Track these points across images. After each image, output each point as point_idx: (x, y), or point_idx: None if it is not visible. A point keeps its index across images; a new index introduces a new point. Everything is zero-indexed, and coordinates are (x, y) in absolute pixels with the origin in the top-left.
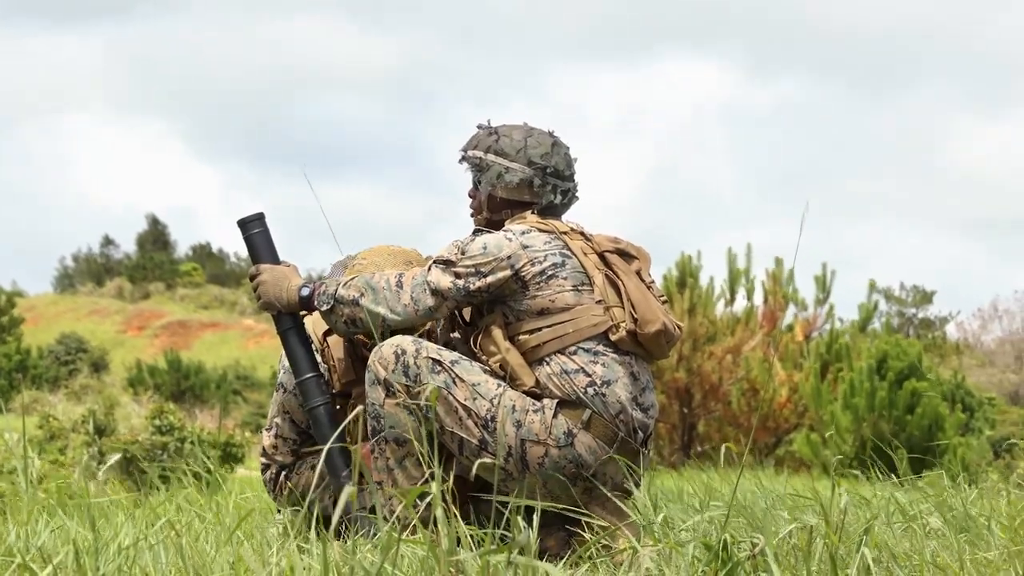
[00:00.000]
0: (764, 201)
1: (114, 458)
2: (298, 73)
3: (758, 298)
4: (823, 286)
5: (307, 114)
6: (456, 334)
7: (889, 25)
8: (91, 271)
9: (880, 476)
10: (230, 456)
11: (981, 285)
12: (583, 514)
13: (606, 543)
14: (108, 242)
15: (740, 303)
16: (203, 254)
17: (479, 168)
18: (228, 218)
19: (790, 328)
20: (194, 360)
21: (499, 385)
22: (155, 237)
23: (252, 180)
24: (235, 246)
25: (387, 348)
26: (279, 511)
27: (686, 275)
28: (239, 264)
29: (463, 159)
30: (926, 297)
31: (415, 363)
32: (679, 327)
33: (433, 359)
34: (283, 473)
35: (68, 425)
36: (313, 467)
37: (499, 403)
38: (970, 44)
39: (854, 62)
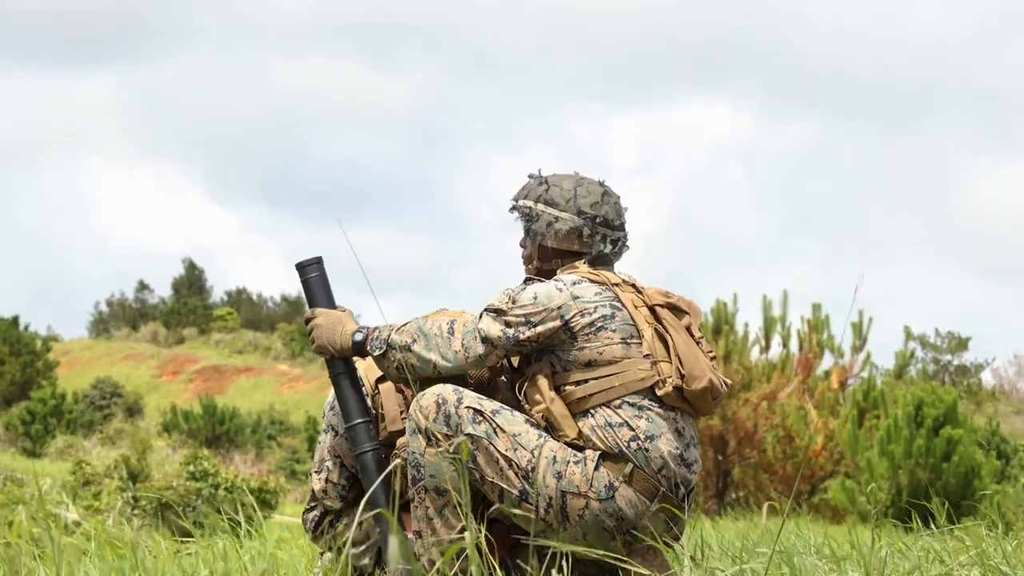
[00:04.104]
0: (782, 243)
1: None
2: (309, 113)
3: (793, 345)
4: (859, 333)
5: (319, 154)
6: (503, 378)
7: (905, 66)
8: (126, 316)
9: (919, 525)
10: (265, 503)
11: (1009, 330)
12: (623, 563)
13: None
14: (143, 287)
15: (775, 350)
16: (238, 299)
17: (529, 218)
18: (248, 260)
19: (826, 375)
20: (228, 405)
21: (540, 436)
22: (191, 282)
23: (268, 222)
24: (260, 287)
25: (428, 397)
26: (321, 555)
27: (721, 322)
28: (274, 309)
29: (513, 208)
30: (961, 344)
31: (456, 412)
32: (726, 384)
33: (474, 409)
34: (327, 518)
35: (102, 470)
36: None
37: (540, 454)
38: (982, 84)
39: (870, 103)
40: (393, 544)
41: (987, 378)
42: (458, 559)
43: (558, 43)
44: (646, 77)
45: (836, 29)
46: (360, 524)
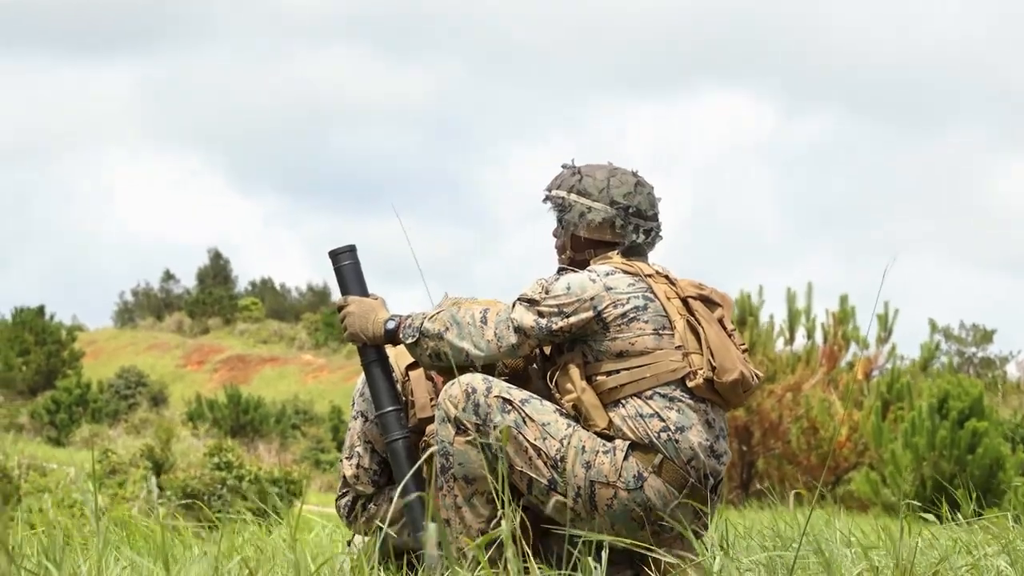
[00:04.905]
0: (802, 237)
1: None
2: (329, 105)
3: (818, 336)
4: (885, 325)
5: (338, 145)
6: (534, 366)
7: (927, 61)
8: (151, 306)
9: (947, 516)
10: (289, 492)
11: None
12: (651, 551)
13: None
14: (168, 277)
15: (799, 341)
16: (263, 289)
17: (562, 208)
18: (268, 250)
19: (851, 366)
20: (253, 395)
21: (569, 425)
22: (216, 272)
23: (288, 212)
24: (283, 277)
25: (457, 386)
26: (349, 543)
27: (746, 313)
28: (299, 299)
29: (547, 199)
30: (986, 336)
31: (485, 402)
32: (757, 376)
33: (503, 398)
34: (360, 502)
35: (127, 459)
36: (391, 500)
37: (569, 443)
38: (1007, 79)
39: (892, 98)
40: (429, 530)
41: (1012, 371)
42: (490, 546)
43: (578, 35)
44: (666, 69)
45: (858, 22)
46: (391, 501)
